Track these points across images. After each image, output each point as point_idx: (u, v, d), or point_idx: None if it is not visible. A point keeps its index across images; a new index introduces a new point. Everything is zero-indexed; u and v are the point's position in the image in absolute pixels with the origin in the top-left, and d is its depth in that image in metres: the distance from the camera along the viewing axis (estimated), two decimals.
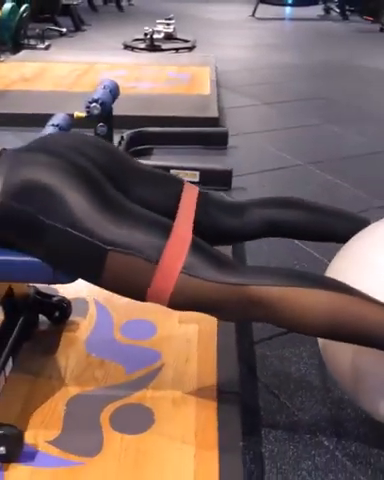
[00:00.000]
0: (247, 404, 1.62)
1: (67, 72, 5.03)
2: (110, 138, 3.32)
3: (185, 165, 2.98)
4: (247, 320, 1.42)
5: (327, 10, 9.67)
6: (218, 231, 1.51)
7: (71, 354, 1.72)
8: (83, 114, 3.27)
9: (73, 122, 3.21)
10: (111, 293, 1.89)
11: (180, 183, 1.53)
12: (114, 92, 3.28)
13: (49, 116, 3.42)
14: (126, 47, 6.63)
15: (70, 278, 1.31)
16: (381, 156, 3.62)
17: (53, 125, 3.10)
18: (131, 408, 1.53)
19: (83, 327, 1.84)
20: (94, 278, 1.28)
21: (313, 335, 1.36)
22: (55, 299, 1.82)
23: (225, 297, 1.23)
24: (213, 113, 3.96)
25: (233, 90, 5.06)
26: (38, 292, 1.79)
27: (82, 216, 1.22)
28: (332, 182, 3.16)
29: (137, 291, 1.27)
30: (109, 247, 1.22)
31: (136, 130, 3.45)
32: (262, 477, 1.44)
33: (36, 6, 6.77)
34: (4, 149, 1.42)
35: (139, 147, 3.47)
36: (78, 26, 7.67)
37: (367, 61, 6.42)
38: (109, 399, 1.55)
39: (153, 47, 6.36)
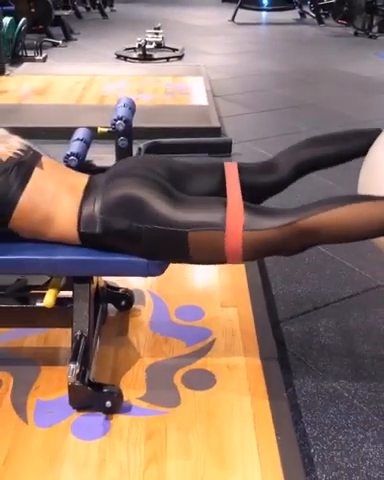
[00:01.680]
0: (282, 368, 2.07)
1: (72, 84, 5.41)
2: (130, 149, 3.74)
3: None
4: (308, 248, 1.70)
5: (302, 14, 10.13)
6: (262, 189, 1.90)
7: (140, 334, 2.15)
8: (106, 129, 3.69)
9: (94, 136, 3.63)
10: (161, 284, 2.34)
11: (220, 163, 1.93)
12: (133, 109, 3.70)
13: (69, 130, 3.84)
14: (118, 57, 7.01)
15: (160, 271, 1.73)
16: None
17: (78, 139, 3.50)
18: (196, 372, 1.97)
19: (144, 313, 2.27)
20: (184, 258, 1.70)
21: (363, 239, 1.67)
22: (121, 290, 2.24)
23: (284, 237, 1.62)
24: (215, 123, 4.39)
25: (225, 98, 5.49)
26: (107, 285, 2.21)
27: (162, 214, 1.65)
28: (329, 185, 3.61)
29: (218, 257, 1.68)
30: (187, 229, 1.64)
31: (151, 141, 3.86)
32: (301, 420, 1.89)
33: (31, 18, 7.14)
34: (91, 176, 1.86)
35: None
36: (68, 36, 8.02)
37: (345, 66, 6.90)
38: (178, 366, 1.99)
39: (145, 57, 6.75)
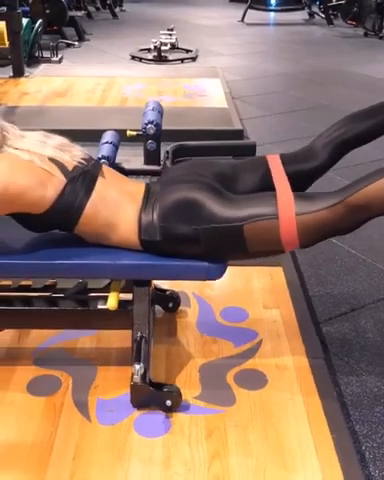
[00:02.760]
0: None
1: (92, 86, 5.48)
2: (158, 152, 3.81)
3: None
4: (364, 223, 1.73)
5: (311, 15, 10.19)
6: (305, 176, 1.96)
7: (189, 335, 2.22)
8: (134, 133, 3.76)
9: (122, 138, 3.70)
10: (204, 286, 2.41)
11: (262, 158, 2.01)
12: (161, 112, 3.77)
13: (94, 132, 3.93)
14: (133, 58, 7.07)
15: (219, 274, 1.80)
16: None
17: (107, 142, 3.57)
18: (248, 372, 2.05)
19: (190, 314, 2.34)
20: (242, 252, 1.77)
21: None
22: (168, 292, 2.31)
23: (336, 216, 1.68)
24: (237, 125, 4.47)
25: (241, 100, 5.55)
26: (155, 287, 2.28)
27: (217, 213, 1.72)
28: None
29: (275, 246, 1.75)
30: (242, 223, 1.71)
31: (177, 144, 3.91)
32: (349, 419, 1.96)
33: (45, 19, 7.19)
34: (147, 184, 1.93)
35: (180, 159, 3.94)
36: (82, 36, 8.07)
37: (357, 68, 6.96)
38: (229, 366, 2.07)
39: (160, 58, 6.80)
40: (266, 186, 1.87)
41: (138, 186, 1.91)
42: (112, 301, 1.80)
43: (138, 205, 1.81)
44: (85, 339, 2.17)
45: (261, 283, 2.56)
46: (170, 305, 2.31)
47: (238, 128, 4.42)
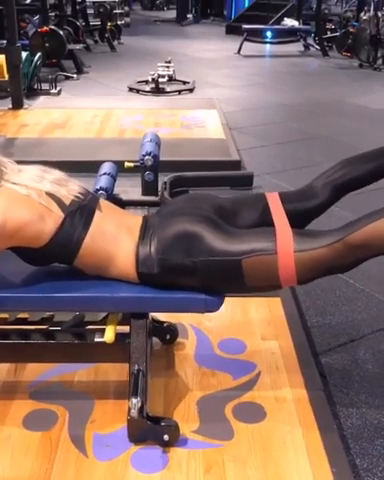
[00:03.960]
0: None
1: (90, 118, 5.53)
2: (156, 183, 3.84)
3: None
4: (363, 262, 1.74)
5: (306, 46, 10.35)
6: (303, 214, 1.98)
7: (187, 367, 2.20)
8: (132, 164, 3.79)
9: (120, 169, 3.72)
10: (202, 318, 2.39)
11: (261, 195, 2.02)
12: (159, 143, 3.80)
13: (93, 163, 3.96)
14: (131, 90, 7.15)
15: (217, 306, 1.80)
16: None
17: (105, 174, 3.59)
18: (246, 405, 2.02)
19: (188, 346, 2.32)
20: (240, 285, 1.77)
21: None
22: (166, 324, 2.30)
23: (335, 254, 1.69)
24: (235, 156, 4.49)
25: (239, 131, 5.60)
26: (153, 319, 2.27)
27: (216, 246, 1.73)
28: (349, 217, 3.69)
29: (273, 281, 1.75)
30: (240, 257, 1.72)
31: (175, 175, 3.94)
32: (349, 452, 1.93)
33: (44, 52, 7.30)
34: (144, 216, 1.94)
35: (177, 189, 3.96)
36: (80, 69, 8.18)
37: (353, 98, 7.04)
38: (227, 399, 2.05)
39: (158, 90, 6.89)
40: (265, 222, 1.88)
41: (135, 219, 1.92)
42: (109, 334, 1.79)
43: (135, 238, 1.81)
44: (82, 372, 2.16)
45: (259, 314, 2.55)
46: (167, 337, 2.30)
47: (235, 159, 4.45)
